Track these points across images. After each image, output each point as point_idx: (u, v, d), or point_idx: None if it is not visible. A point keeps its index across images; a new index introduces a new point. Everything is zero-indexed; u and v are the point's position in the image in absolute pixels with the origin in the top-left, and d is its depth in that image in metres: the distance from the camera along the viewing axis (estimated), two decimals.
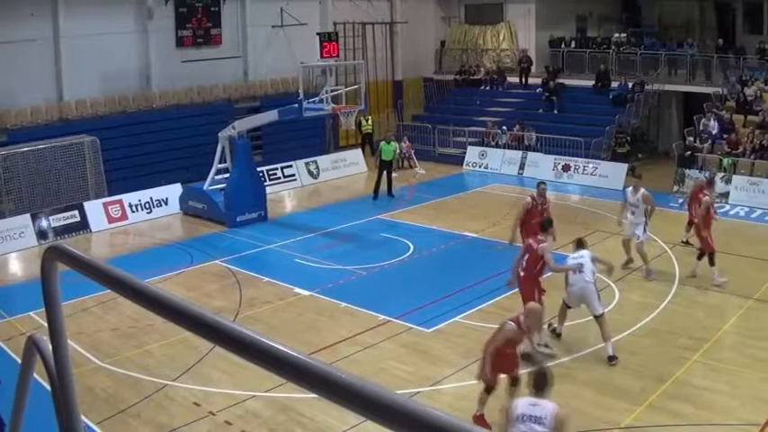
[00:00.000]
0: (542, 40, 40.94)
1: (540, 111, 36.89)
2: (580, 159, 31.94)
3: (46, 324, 2.38)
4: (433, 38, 44.55)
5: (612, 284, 18.80)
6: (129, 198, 27.30)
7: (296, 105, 24.83)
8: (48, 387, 2.37)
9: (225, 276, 20.95)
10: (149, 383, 14.35)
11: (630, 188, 20.08)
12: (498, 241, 19.76)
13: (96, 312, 17.91)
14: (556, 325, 16.07)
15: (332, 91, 24.95)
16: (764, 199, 26.63)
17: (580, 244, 16.02)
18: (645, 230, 19.64)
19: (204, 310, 1.79)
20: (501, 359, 12.25)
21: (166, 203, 28.04)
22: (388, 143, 29.57)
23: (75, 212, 25.93)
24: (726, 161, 28.73)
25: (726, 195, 27.46)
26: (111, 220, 26.67)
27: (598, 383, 13.95)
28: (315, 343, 15.85)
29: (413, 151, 35.70)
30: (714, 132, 30.55)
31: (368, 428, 10.19)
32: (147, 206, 27.65)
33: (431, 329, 16.79)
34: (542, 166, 32.74)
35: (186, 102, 33.06)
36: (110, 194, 27.35)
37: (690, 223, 21.51)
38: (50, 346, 2.38)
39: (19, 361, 2.60)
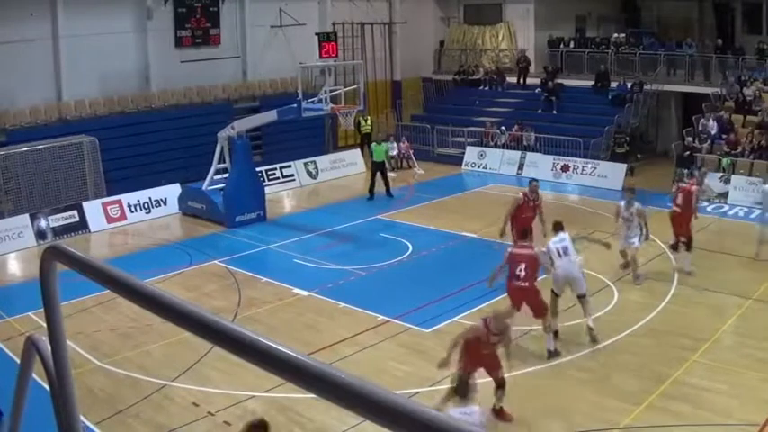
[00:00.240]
0: (541, 41, 40.93)
1: (539, 111, 36.87)
2: (579, 159, 31.95)
3: (45, 324, 2.38)
4: (431, 38, 44.54)
5: (611, 285, 18.85)
6: (128, 198, 27.31)
7: (295, 105, 24.83)
8: (47, 387, 2.37)
9: (224, 276, 20.96)
10: (148, 384, 14.36)
11: (623, 202, 19.31)
12: (497, 241, 19.75)
13: (95, 312, 17.92)
14: (553, 326, 15.88)
15: (331, 91, 24.94)
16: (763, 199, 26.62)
17: (559, 227, 16.40)
18: (641, 240, 19.18)
19: (203, 311, 1.79)
20: (474, 357, 12.36)
21: (165, 204, 28.04)
22: (379, 144, 29.61)
23: (74, 213, 25.94)
24: (725, 161, 28.74)
25: (725, 195, 27.47)
26: (110, 220, 26.68)
27: (597, 384, 13.96)
28: (314, 343, 15.85)
29: (412, 151, 35.70)
30: (713, 132, 30.56)
31: (367, 429, 10.19)
32: (146, 206, 27.65)
33: (430, 329, 16.80)
34: (541, 166, 32.74)
35: (185, 102, 33.05)
36: (109, 195, 27.36)
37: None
38: (49, 347, 2.39)
39: (18, 361, 2.60)
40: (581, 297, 15.92)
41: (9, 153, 26.02)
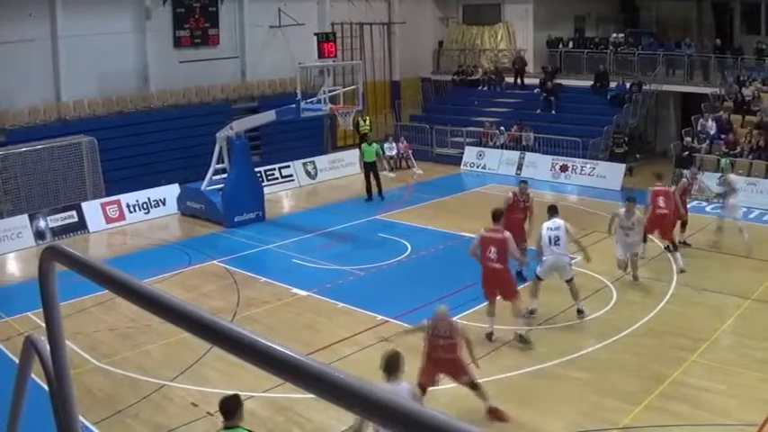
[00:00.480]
0: (540, 41, 40.94)
1: (538, 111, 36.87)
2: (578, 160, 31.96)
3: (44, 324, 2.38)
4: (430, 38, 44.53)
5: (610, 285, 18.84)
6: (127, 198, 27.32)
7: (294, 106, 24.82)
8: (46, 387, 2.37)
9: (223, 277, 20.96)
10: (147, 384, 14.36)
11: (623, 210, 18.83)
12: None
13: (94, 313, 17.91)
14: (532, 306, 16.72)
15: (330, 91, 24.94)
16: (762, 199, 26.65)
17: (554, 211, 17.03)
18: (644, 248, 19.47)
19: (202, 311, 1.79)
20: (432, 361, 12.43)
21: (164, 204, 28.05)
22: (370, 144, 29.48)
23: (73, 213, 25.94)
24: (723, 161, 28.73)
25: (723, 196, 27.44)
26: (108, 220, 26.68)
27: (596, 384, 13.96)
28: (312, 343, 15.85)
29: (410, 151, 35.71)
30: (712, 132, 30.56)
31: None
32: (145, 206, 27.66)
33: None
34: (540, 166, 32.76)
35: (184, 102, 33.05)
36: (107, 195, 27.37)
37: (683, 224, 21.68)
38: (48, 347, 2.38)
39: (17, 361, 2.60)
40: (568, 282, 16.85)
41: (8, 153, 26.02)
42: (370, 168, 29.14)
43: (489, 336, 15.93)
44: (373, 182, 29.14)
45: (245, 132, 26.80)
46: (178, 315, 1.82)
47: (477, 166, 34.82)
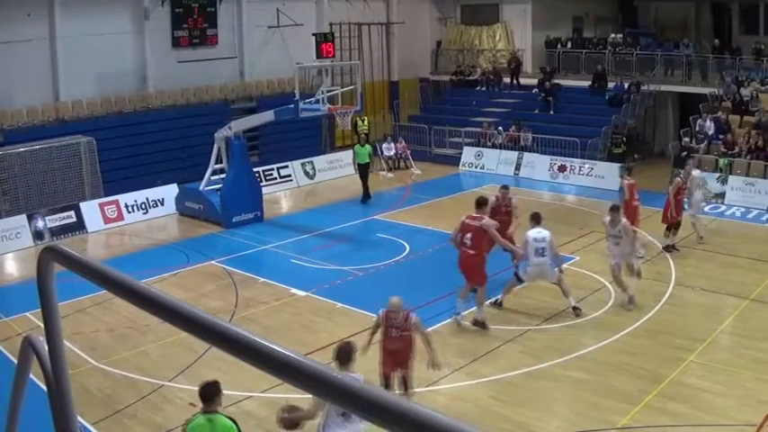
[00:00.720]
0: (538, 41, 40.96)
1: (536, 111, 36.88)
2: (576, 160, 31.96)
3: (42, 324, 2.38)
4: (429, 38, 44.53)
5: (609, 285, 18.82)
6: (126, 198, 27.31)
7: (292, 106, 24.78)
8: (44, 388, 2.37)
9: (221, 277, 20.96)
10: (146, 384, 14.36)
11: (608, 219, 17.99)
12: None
13: (93, 313, 17.91)
14: (500, 299, 17.59)
15: (328, 91, 24.95)
16: (760, 199, 26.67)
17: (537, 219, 17.49)
18: (637, 256, 18.75)
19: (200, 311, 1.79)
20: (387, 351, 12.58)
21: (162, 204, 28.05)
22: (363, 146, 29.36)
23: (72, 213, 25.92)
24: (722, 162, 28.76)
25: (722, 196, 27.49)
26: (107, 220, 26.66)
27: (594, 384, 13.97)
28: (311, 343, 15.85)
29: (409, 152, 35.71)
30: (710, 133, 30.57)
31: (365, 429, 10.18)
32: (144, 207, 27.65)
33: (426, 330, 16.78)
34: (538, 166, 32.78)
35: (182, 102, 33.02)
36: (106, 195, 27.36)
37: (677, 226, 21.64)
38: (47, 347, 2.38)
39: (15, 362, 2.60)
40: (555, 283, 17.42)
41: (6, 153, 26.02)
42: (363, 170, 29.00)
43: (457, 316, 16.91)
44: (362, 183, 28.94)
45: (243, 132, 26.79)
46: (176, 315, 1.82)
47: (476, 167, 34.82)
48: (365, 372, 11.08)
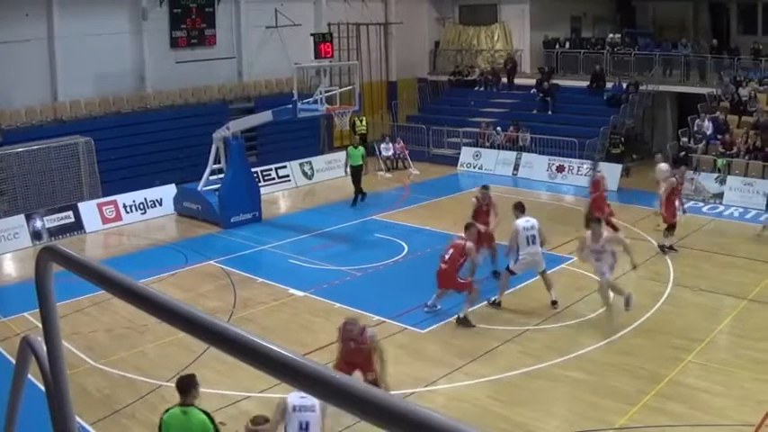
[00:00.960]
0: (537, 41, 40.95)
1: (535, 111, 36.88)
2: (574, 160, 31.95)
3: (40, 325, 2.38)
4: (427, 38, 44.53)
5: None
6: (124, 199, 27.30)
7: (290, 106, 24.76)
8: (42, 388, 2.37)
9: (219, 277, 20.95)
10: (144, 384, 14.36)
11: (588, 234, 16.83)
12: (497, 242, 19.77)
13: (91, 313, 17.91)
14: (498, 299, 17.79)
15: (326, 92, 24.96)
16: (758, 199, 26.65)
17: (522, 208, 18.17)
18: (612, 269, 16.79)
19: (198, 311, 1.79)
20: (347, 358, 12.51)
21: (161, 204, 28.04)
22: (356, 148, 29.14)
23: (70, 213, 25.92)
24: (720, 162, 28.77)
25: (720, 196, 27.50)
26: (105, 220, 26.66)
27: (592, 384, 13.97)
28: (309, 343, 15.84)
29: (407, 152, 35.70)
30: (708, 133, 30.58)
31: (363, 429, 10.18)
32: (142, 207, 27.65)
33: (425, 330, 16.83)
34: (536, 166, 32.78)
35: (180, 102, 33.01)
36: (104, 195, 27.36)
37: (671, 227, 21.63)
38: (45, 347, 2.38)
39: (14, 362, 2.60)
40: (542, 273, 17.83)
41: (4, 153, 26.01)
42: (356, 171, 28.73)
43: (431, 305, 17.63)
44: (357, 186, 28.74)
45: (241, 133, 26.79)
46: (175, 315, 1.82)
47: (474, 167, 34.81)
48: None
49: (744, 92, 31.97)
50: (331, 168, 33.89)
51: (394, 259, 22.13)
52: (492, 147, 35.04)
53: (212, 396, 13.61)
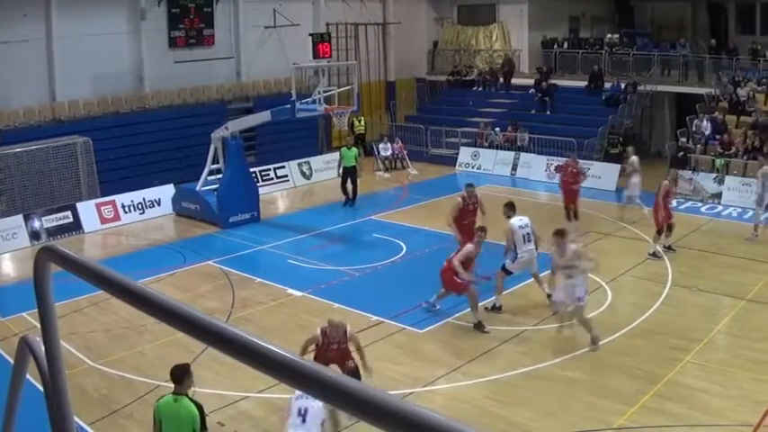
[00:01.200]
0: (535, 41, 40.98)
1: (533, 111, 36.91)
2: None
3: (39, 325, 2.38)
4: (425, 39, 44.53)
5: (605, 285, 18.84)
6: (122, 199, 27.29)
7: (289, 106, 24.77)
8: (40, 388, 2.37)
9: (218, 277, 20.94)
10: (142, 384, 14.35)
11: (554, 248, 16.08)
12: (490, 242, 19.73)
13: (89, 313, 17.90)
14: (497, 303, 17.67)
15: (324, 92, 24.95)
16: None
17: (514, 208, 18.43)
18: (586, 289, 15.62)
19: (197, 311, 1.79)
20: (321, 360, 12.37)
21: (159, 204, 28.03)
22: (349, 149, 28.99)
23: (68, 213, 25.90)
24: (718, 162, 28.77)
25: (718, 196, 27.50)
26: (103, 220, 26.65)
27: (590, 384, 13.98)
28: None
29: (405, 152, 35.69)
30: (707, 133, 30.59)
31: (361, 429, 10.19)
32: (140, 207, 27.64)
33: (423, 330, 16.83)
34: (535, 166, 32.77)
35: (179, 102, 33.00)
36: (102, 195, 27.35)
37: (670, 227, 21.63)
38: (43, 347, 2.38)
39: (12, 362, 2.60)
40: (534, 273, 18.08)
41: (3, 153, 26.00)
42: (348, 173, 28.53)
43: (431, 303, 17.69)
44: (349, 187, 28.59)
45: (240, 133, 26.79)
46: (173, 315, 1.82)
47: (472, 167, 34.80)
48: None
49: (742, 92, 31.98)
50: (329, 168, 33.85)
51: (392, 259, 22.13)
52: (490, 147, 35.06)
53: (211, 396, 13.61)
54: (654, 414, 12.71)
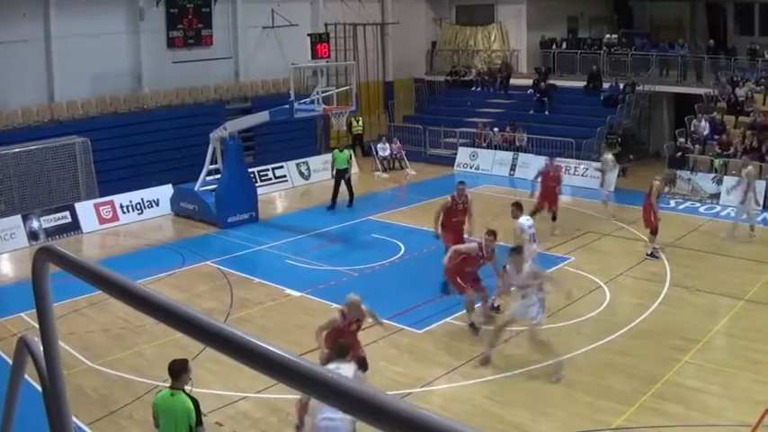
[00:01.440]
0: (533, 41, 41.02)
1: (531, 112, 36.92)
2: (571, 160, 31.89)
3: (37, 325, 2.38)
4: (424, 39, 44.55)
5: (603, 285, 18.85)
6: (121, 199, 27.28)
7: (287, 106, 24.77)
8: (39, 388, 2.37)
9: (216, 277, 20.94)
10: (141, 384, 14.34)
11: (509, 266, 15.26)
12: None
13: (87, 313, 17.89)
14: (496, 303, 17.50)
15: (323, 92, 24.93)
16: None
17: (521, 207, 18.68)
18: (542, 309, 14.46)
19: (195, 311, 1.79)
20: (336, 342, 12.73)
21: (157, 204, 28.02)
22: (341, 151, 28.92)
23: (67, 213, 25.89)
24: (717, 162, 28.78)
25: (717, 196, 27.51)
26: (102, 221, 26.64)
27: (589, 384, 13.97)
28: (306, 344, 15.77)
29: (403, 152, 35.69)
30: (705, 133, 30.61)
31: (360, 430, 10.18)
32: (139, 207, 27.62)
33: (422, 330, 16.82)
34: (533, 166, 32.52)
35: (177, 103, 32.99)
36: (101, 195, 27.33)
37: (653, 232, 21.56)
38: (42, 348, 2.38)
39: (10, 362, 2.60)
40: None
41: (1, 154, 25.96)
42: (341, 175, 28.35)
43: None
44: (344, 189, 28.39)
45: (238, 133, 26.78)
46: (171, 316, 1.82)
47: (471, 167, 34.80)
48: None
49: (740, 92, 32.00)
50: (328, 169, 33.75)
51: (391, 259, 22.13)
52: (489, 147, 35.06)
53: (209, 396, 13.60)
54: (652, 414, 12.72)
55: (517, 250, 15.08)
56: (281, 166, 32.73)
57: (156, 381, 14.37)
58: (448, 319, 17.11)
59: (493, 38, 42.37)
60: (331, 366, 10.47)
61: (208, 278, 20.92)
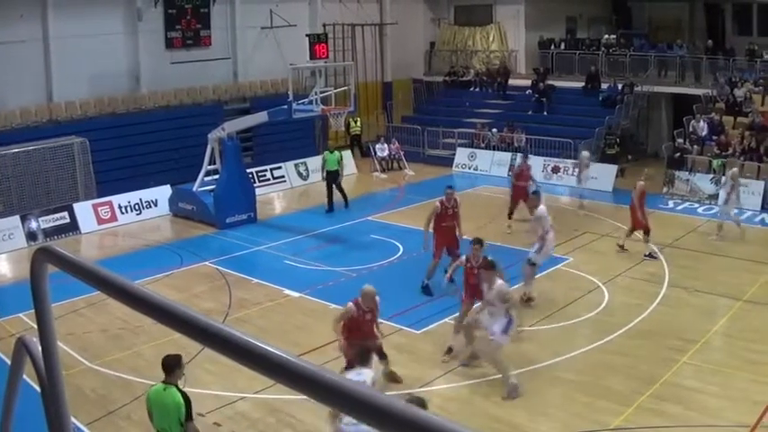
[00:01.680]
0: (532, 42, 41.03)
1: (530, 112, 36.92)
2: (570, 161, 31.86)
3: (35, 325, 2.38)
4: (422, 39, 44.58)
5: (602, 286, 18.85)
6: (119, 199, 27.27)
7: (285, 107, 24.75)
8: (37, 388, 2.36)
9: (214, 278, 20.93)
10: (139, 385, 14.31)
11: (482, 277, 14.47)
12: (488, 243, 19.74)
13: (86, 314, 17.88)
14: (531, 294, 17.92)
15: (321, 92, 24.93)
16: (754, 200, 26.65)
17: (539, 196, 18.97)
18: (508, 328, 13.78)
19: (194, 312, 1.79)
20: (353, 333, 13.22)
21: (156, 205, 28.01)
22: (332, 152, 28.65)
23: (65, 214, 25.88)
24: (715, 163, 28.78)
25: (715, 197, 27.49)
26: (100, 221, 26.63)
27: (587, 385, 13.97)
28: (304, 344, 15.84)
29: (402, 153, 35.69)
30: (703, 134, 30.62)
31: (358, 430, 10.17)
32: (137, 207, 27.61)
33: (420, 331, 16.83)
34: (532, 167, 32.69)
35: (176, 103, 32.98)
36: (99, 196, 27.32)
37: (634, 229, 21.60)
38: (40, 348, 2.38)
39: (9, 363, 2.60)
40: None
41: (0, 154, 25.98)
42: (332, 178, 28.07)
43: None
44: (336, 191, 28.22)
45: (236, 133, 26.77)
46: (170, 316, 1.82)
47: (469, 168, 34.81)
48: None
49: (739, 93, 32.02)
50: None
51: (389, 260, 22.13)
52: (487, 148, 35.06)
53: (207, 397, 13.62)
54: (651, 415, 12.72)
55: (489, 266, 14.40)
56: (280, 167, 32.72)
57: (154, 381, 14.35)
58: (446, 320, 17.09)
59: (491, 38, 42.39)
60: (352, 373, 10.72)
61: (206, 279, 20.92)
